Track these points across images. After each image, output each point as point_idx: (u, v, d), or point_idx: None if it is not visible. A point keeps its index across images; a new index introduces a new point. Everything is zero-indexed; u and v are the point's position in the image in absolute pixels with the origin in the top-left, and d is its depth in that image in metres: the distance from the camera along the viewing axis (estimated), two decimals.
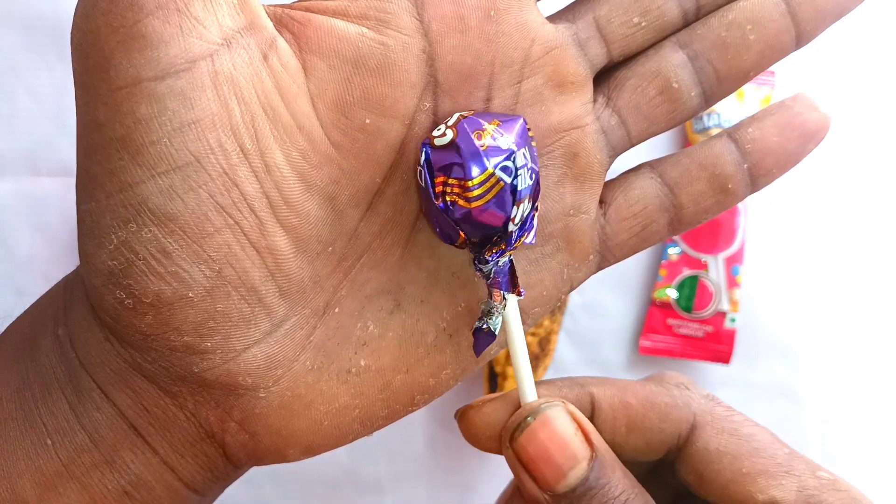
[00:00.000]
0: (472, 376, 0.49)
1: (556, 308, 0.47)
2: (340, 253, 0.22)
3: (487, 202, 0.20)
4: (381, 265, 0.22)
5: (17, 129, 0.48)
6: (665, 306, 0.48)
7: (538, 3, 0.23)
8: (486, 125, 0.21)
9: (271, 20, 0.21)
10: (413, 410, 0.24)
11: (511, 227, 0.21)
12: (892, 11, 0.50)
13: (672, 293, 0.48)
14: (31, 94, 0.48)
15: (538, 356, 0.47)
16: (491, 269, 0.21)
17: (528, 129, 0.22)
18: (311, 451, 0.23)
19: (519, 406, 0.23)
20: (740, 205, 0.48)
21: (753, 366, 0.49)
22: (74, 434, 0.21)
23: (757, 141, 0.24)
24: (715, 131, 0.48)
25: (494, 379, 0.47)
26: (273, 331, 0.21)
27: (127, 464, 0.21)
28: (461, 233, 0.21)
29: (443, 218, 0.21)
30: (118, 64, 0.18)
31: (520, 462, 0.22)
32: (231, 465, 0.23)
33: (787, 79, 0.49)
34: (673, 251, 0.48)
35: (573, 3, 0.25)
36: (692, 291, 0.48)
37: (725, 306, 0.48)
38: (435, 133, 0.21)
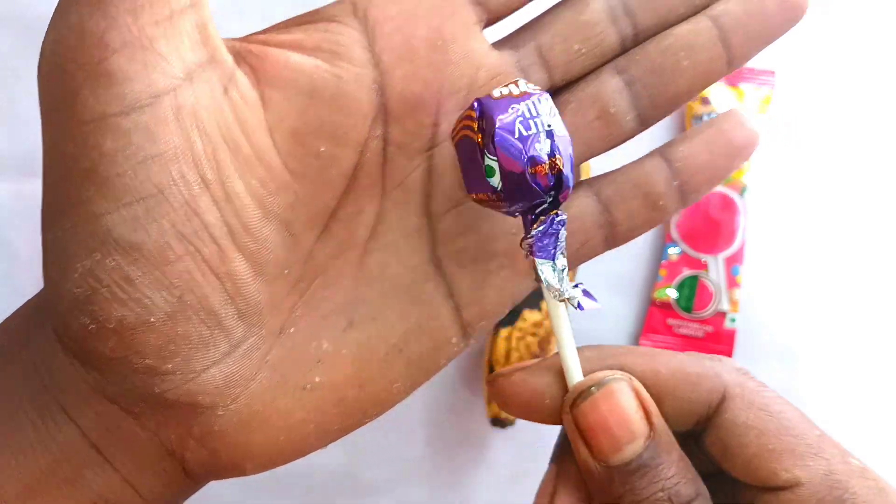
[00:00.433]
0: (472, 376, 0.49)
1: None
2: (297, 275, 0.23)
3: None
4: (335, 285, 0.23)
5: (17, 131, 0.48)
6: (665, 306, 0.48)
7: (485, 30, 0.25)
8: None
9: (230, 54, 0.22)
10: (366, 423, 0.25)
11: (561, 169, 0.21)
12: (892, 11, 0.50)
13: (672, 293, 0.48)
14: (31, 95, 0.48)
15: (538, 356, 0.47)
16: (556, 222, 0.22)
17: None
18: (268, 464, 0.23)
19: (559, 373, 0.23)
20: (740, 205, 0.48)
21: (753, 366, 0.48)
22: (38, 455, 0.21)
23: (687, 159, 0.25)
24: None
25: None
26: (231, 351, 0.21)
27: (90, 483, 0.21)
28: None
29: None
30: (85, 100, 0.19)
31: (578, 429, 0.22)
32: (190, 480, 0.23)
33: (786, 78, 0.49)
34: (673, 251, 0.48)
35: (517, 30, 0.26)
36: (692, 291, 0.48)
37: (725, 306, 0.48)
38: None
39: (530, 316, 0.46)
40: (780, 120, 0.49)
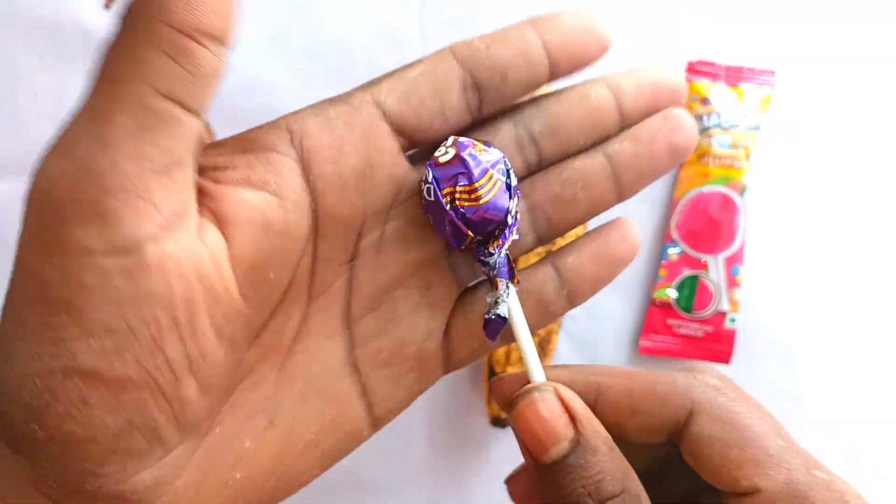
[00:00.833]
0: (473, 377, 0.49)
1: None
2: (228, 383, 0.24)
3: (491, 199, 0.24)
4: (258, 387, 0.25)
5: (17, 130, 0.48)
6: (665, 306, 0.48)
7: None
8: (475, 143, 0.25)
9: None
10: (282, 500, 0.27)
11: (509, 219, 0.25)
12: (892, 11, 0.50)
13: (672, 293, 0.48)
14: (31, 95, 0.48)
15: (538, 356, 0.47)
16: (495, 261, 0.25)
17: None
18: None
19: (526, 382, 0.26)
20: (740, 205, 0.48)
21: (753, 366, 0.49)
22: None
23: (575, 269, 0.28)
24: (714, 131, 0.48)
25: None
26: (163, 457, 0.22)
27: None
28: (469, 232, 0.25)
29: (453, 223, 0.24)
30: (72, 233, 0.20)
31: (516, 431, 0.25)
32: None
33: (786, 78, 0.49)
34: (673, 251, 0.48)
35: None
36: (692, 291, 0.48)
37: (725, 306, 0.48)
38: (438, 153, 0.25)
39: None
40: (780, 120, 0.49)
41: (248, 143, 0.24)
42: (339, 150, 0.24)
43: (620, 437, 0.25)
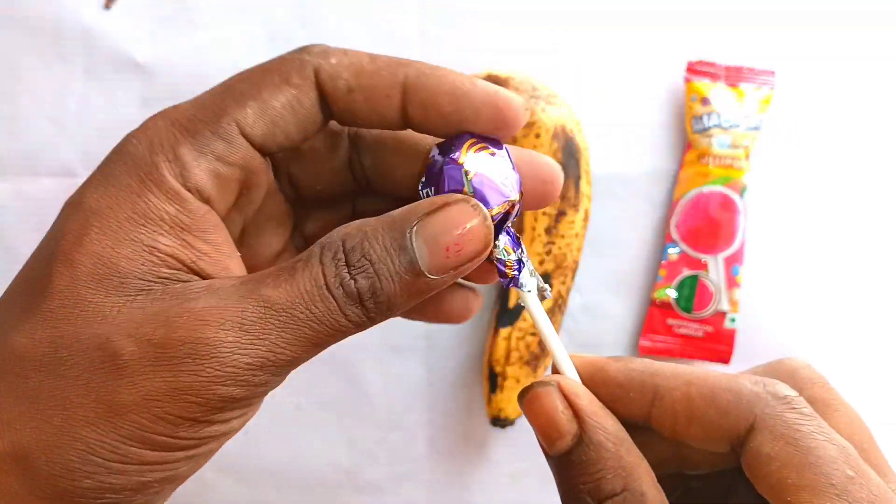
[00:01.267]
0: (473, 377, 0.49)
1: (557, 308, 0.47)
2: None
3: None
4: None
5: (17, 130, 0.48)
6: (665, 306, 0.48)
7: None
8: (484, 146, 0.25)
9: None
10: None
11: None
12: (891, 13, 0.50)
13: (672, 293, 0.48)
14: (32, 95, 0.48)
15: (538, 356, 0.47)
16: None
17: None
18: None
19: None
20: (740, 205, 0.48)
21: (753, 366, 0.49)
22: None
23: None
24: (714, 131, 0.48)
25: (494, 379, 0.47)
26: None
27: None
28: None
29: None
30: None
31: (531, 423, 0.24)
32: None
33: (786, 78, 0.49)
34: (673, 251, 0.48)
35: None
36: (692, 291, 0.48)
37: (725, 306, 0.48)
38: (438, 154, 0.25)
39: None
40: (780, 120, 0.49)
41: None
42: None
43: (681, 442, 0.24)
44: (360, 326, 0.22)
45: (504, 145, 0.25)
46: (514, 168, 0.24)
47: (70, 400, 0.20)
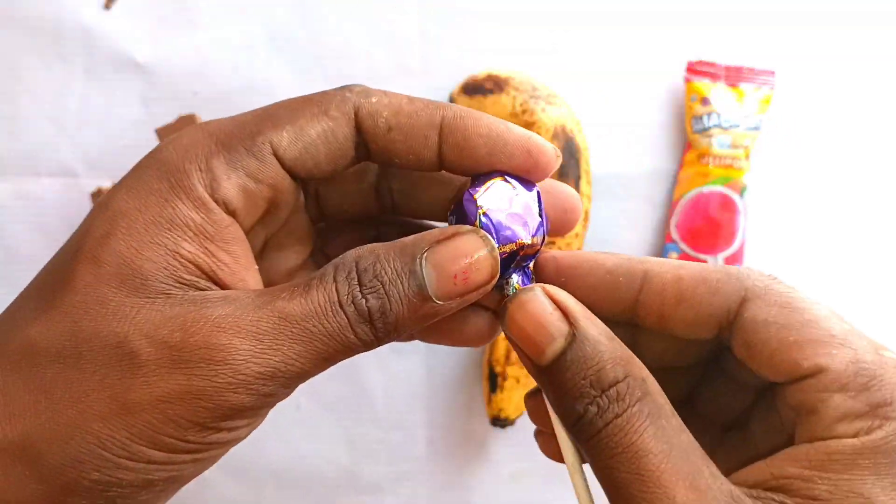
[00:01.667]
0: (473, 377, 0.49)
1: None
2: None
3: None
4: None
5: (17, 130, 0.48)
6: None
7: None
8: (507, 181, 0.25)
9: None
10: None
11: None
12: (891, 13, 0.50)
13: None
14: (32, 95, 0.48)
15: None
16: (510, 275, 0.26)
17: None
18: None
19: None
20: (740, 205, 0.48)
21: None
22: None
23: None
24: (714, 131, 0.48)
25: (494, 379, 0.47)
26: None
27: None
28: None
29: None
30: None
31: (511, 341, 0.24)
32: None
33: (786, 79, 0.49)
34: (673, 251, 0.48)
35: None
36: None
37: None
38: (469, 192, 0.25)
39: None
40: (780, 120, 0.49)
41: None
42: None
43: (664, 332, 0.25)
44: (367, 345, 0.23)
45: (536, 188, 0.25)
46: (539, 212, 0.25)
47: (85, 394, 0.21)
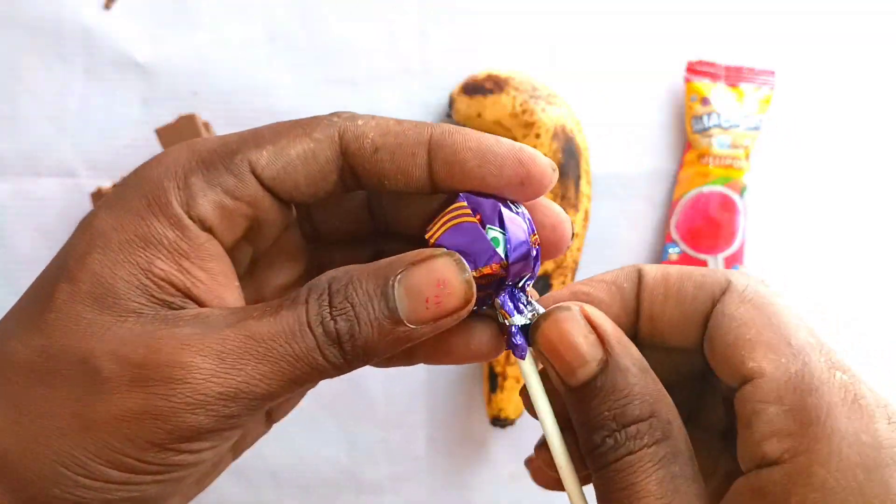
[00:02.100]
0: (473, 377, 0.49)
1: None
2: None
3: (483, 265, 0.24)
4: None
5: (17, 130, 0.48)
6: None
7: None
8: (507, 206, 0.24)
9: None
10: None
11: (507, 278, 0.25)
12: (891, 11, 0.50)
13: None
14: (32, 95, 0.48)
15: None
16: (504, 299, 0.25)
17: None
18: None
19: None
20: (740, 205, 0.48)
21: None
22: None
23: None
24: (714, 131, 0.48)
25: (494, 378, 0.47)
26: None
27: None
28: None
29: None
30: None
31: (543, 354, 0.23)
32: None
33: (786, 78, 0.49)
34: (673, 251, 0.48)
35: None
36: None
37: None
38: (455, 214, 0.24)
39: None
40: (780, 120, 0.49)
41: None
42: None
43: (657, 341, 0.24)
44: (337, 369, 0.22)
45: (522, 209, 0.24)
46: (528, 232, 0.24)
47: (49, 409, 0.21)
